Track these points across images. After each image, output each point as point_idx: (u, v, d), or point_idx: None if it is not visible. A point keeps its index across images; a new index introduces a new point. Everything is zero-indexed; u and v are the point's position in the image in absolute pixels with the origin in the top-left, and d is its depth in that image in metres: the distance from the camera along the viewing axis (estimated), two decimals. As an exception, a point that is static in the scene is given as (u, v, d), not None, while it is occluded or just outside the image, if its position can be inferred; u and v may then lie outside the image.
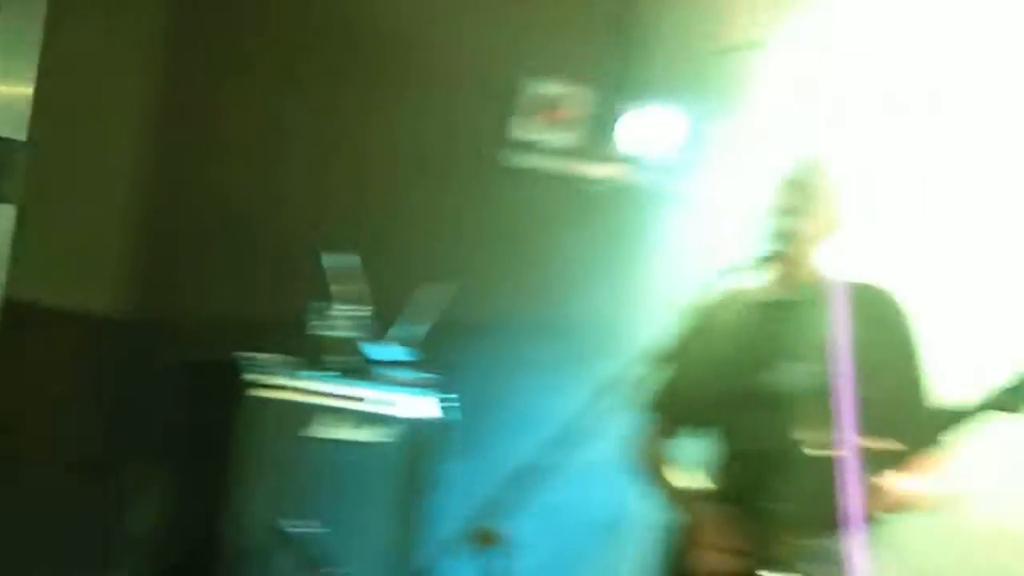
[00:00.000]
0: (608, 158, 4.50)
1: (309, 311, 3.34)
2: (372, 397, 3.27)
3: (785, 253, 2.47)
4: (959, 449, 2.34)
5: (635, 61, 4.77)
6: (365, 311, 3.38)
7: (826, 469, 2.21)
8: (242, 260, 3.95)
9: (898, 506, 2.34)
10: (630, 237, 4.41)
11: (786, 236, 2.44)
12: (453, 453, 3.42)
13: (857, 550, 2.32)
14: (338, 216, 4.06)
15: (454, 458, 3.41)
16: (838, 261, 2.56)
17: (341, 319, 3.33)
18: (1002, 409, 2.11)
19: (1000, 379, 2.15)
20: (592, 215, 4.58)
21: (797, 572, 2.33)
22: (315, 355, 3.30)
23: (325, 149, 4.33)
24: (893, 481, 2.27)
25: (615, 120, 4.42)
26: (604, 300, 4.12)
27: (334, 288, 3.36)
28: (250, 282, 3.89)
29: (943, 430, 2.23)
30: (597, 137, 4.49)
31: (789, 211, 2.45)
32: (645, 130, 4.40)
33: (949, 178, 3.44)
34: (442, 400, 3.39)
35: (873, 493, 2.21)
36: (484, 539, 2.27)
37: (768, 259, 2.44)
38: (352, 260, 3.47)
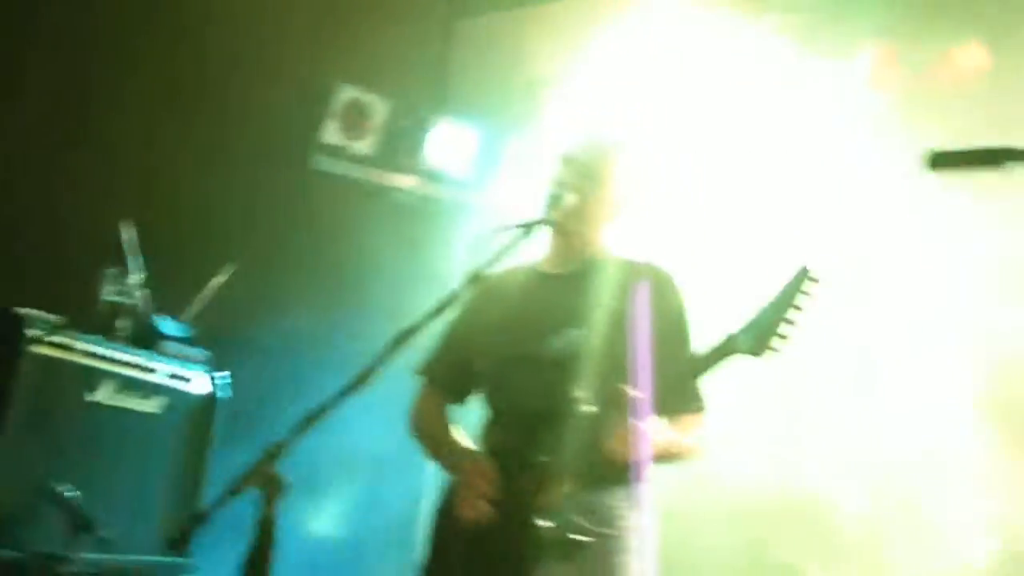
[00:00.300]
0: (412, 169, 4.73)
1: (101, 277, 3.34)
2: (155, 367, 3.30)
3: (559, 225, 2.61)
4: (715, 407, 2.61)
5: (446, 82, 5.09)
6: (150, 284, 3.41)
7: (592, 425, 2.38)
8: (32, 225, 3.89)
9: (661, 454, 2.46)
10: (426, 242, 4.65)
11: (560, 209, 2.56)
12: (229, 427, 3.49)
13: (623, 502, 2.53)
14: (140, 199, 4.07)
15: (230, 431, 3.48)
16: (622, 240, 2.75)
17: (131, 289, 3.35)
18: (740, 351, 2.29)
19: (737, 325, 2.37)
20: (391, 220, 4.81)
21: (564, 521, 2.40)
22: (102, 321, 3.29)
23: (128, 136, 4.31)
24: (656, 429, 2.40)
25: (421, 134, 4.66)
26: (394, 294, 4.28)
27: (128, 258, 3.38)
28: (41, 240, 3.84)
29: (697, 377, 2.42)
30: (403, 148, 4.70)
31: (565, 186, 2.59)
32: (449, 145, 4.69)
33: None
34: (219, 376, 3.46)
35: (637, 440, 2.34)
36: (265, 482, 2.31)
37: (536, 226, 2.53)
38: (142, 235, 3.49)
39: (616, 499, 2.58)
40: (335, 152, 4.63)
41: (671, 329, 2.59)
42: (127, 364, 3.28)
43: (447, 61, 5.08)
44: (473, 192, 4.68)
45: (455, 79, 5.07)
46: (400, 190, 4.75)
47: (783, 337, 2.20)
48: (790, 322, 2.20)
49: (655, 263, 2.72)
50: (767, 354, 2.21)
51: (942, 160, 1.35)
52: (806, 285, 2.21)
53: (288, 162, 4.55)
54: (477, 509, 2.52)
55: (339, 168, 4.65)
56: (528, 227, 2.52)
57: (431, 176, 4.72)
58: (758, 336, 2.22)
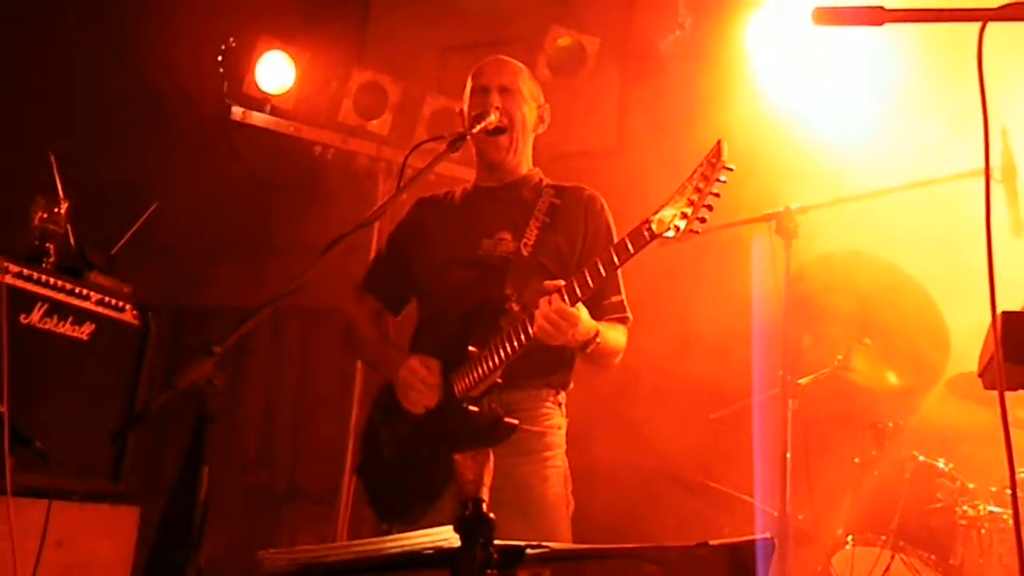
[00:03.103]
0: (333, 125, 4.84)
1: (31, 204, 3.36)
2: (85, 294, 3.34)
3: (484, 141, 2.76)
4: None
5: (364, 39, 5.21)
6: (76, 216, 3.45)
7: (521, 321, 2.52)
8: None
9: (586, 342, 2.56)
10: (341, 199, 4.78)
11: (484, 126, 2.68)
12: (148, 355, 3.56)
13: (549, 401, 2.68)
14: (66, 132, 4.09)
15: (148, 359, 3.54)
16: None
17: (59, 218, 3.38)
18: (659, 234, 2.29)
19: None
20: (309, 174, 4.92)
21: (491, 409, 2.59)
22: (31, 247, 3.31)
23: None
24: (584, 316, 2.50)
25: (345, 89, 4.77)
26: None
27: (57, 187, 3.41)
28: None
29: (619, 265, 2.43)
30: (327, 105, 4.80)
31: (487, 104, 2.75)
32: (368, 99, 4.81)
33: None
34: (139, 307, 3.52)
35: (565, 322, 2.45)
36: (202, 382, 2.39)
37: (460, 141, 2.62)
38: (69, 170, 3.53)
39: (541, 399, 2.76)
40: (254, 104, 4.71)
41: (596, 242, 2.78)
42: (58, 288, 3.31)
43: (366, 18, 5.21)
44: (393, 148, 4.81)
45: (374, 36, 5.19)
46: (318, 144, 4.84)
47: (701, 219, 2.30)
48: (707, 206, 2.30)
49: (583, 187, 2.91)
50: (687, 236, 2.31)
51: (825, 17, 1.56)
52: (720, 168, 2.28)
53: (210, 110, 4.61)
54: (424, 395, 2.66)
55: (259, 120, 4.73)
56: (454, 142, 2.63)
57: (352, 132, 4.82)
58: (677, 219, 2.30)
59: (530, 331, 2.51)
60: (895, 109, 4.01)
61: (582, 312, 2.52)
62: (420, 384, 2.67)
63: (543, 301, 2.47)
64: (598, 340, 2.62)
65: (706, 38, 4.54)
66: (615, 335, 2.74)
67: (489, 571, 1.56)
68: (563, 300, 2.45)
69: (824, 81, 4.23)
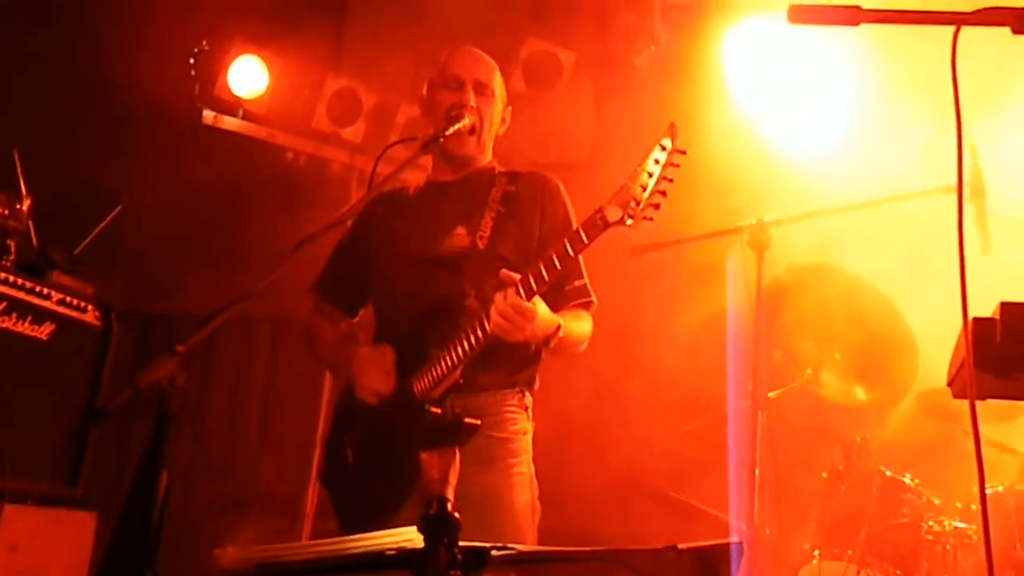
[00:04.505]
0: (306, 132, 4.80)
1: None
2: (46, 293, 3.27)
3: (455, 142, 2.68)
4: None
5: (340, 46, 5.19)
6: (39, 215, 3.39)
7: (479, 318, 2.47)
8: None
9: (548, 335, 2.51)
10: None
11: (459, 128, 2.63)
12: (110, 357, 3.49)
13: (512, 405, 2.62)
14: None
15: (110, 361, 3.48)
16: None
17: (21, 215, 3.32)
18: (614, 222, 2.26)
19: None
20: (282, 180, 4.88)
21: (451, 409, 2.52)
22: (-7, 244, 3.26)
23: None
24: (543, 310, 2.46)
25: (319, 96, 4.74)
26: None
27: (19, 184, 3.35)
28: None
29: (577, 253, 2.39)
30: (301, 111, 4.77)
31: (462, 106, 2.69)
32: (342, 107, 4.79)
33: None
34: (101, 308, 3.46)
35: (522, 317, 2.39)
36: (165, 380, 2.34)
37: (434, 144, 2.61)
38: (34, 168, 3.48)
39: (506, 403, 2.70)
40: (226, 108, 4.67)
41: (554, 226, 2.72)
42: (17, 287, 3.24)
43: (342, 25, 5.19)
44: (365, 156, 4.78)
45: (350, 44, 5.17)
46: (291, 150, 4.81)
47: (655, 206, 2.27)
48: (660, 191, 2.27)
49: (538, 172, 2.86)
50: (640, 223, 2.28)
51: (801, 15, 1.56)
52: (673, 152, 2.26)
53: (182, 113, 4.56)
54: (376, 381, 2.62)
55: (230, 124, 4.69)
56: (426, 145, 2.61)
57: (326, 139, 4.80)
58: (630, 206, 2.27)
59: (487, 327, 2.45)
60: (868, 124, 4.05)
61: (539, 306, 2.46)
62: (372, 369, 2.62)
63: (498, 296, 2.42)
64: (560, 334, 2.57)
65: (681, 54, 4.57)
66: (579, 325, 2.69)
67: (453, 572, 1.53)
68: (519, 295, 2.41)
69: (798, 97, 4.26)
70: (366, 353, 2.67)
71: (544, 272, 2.41)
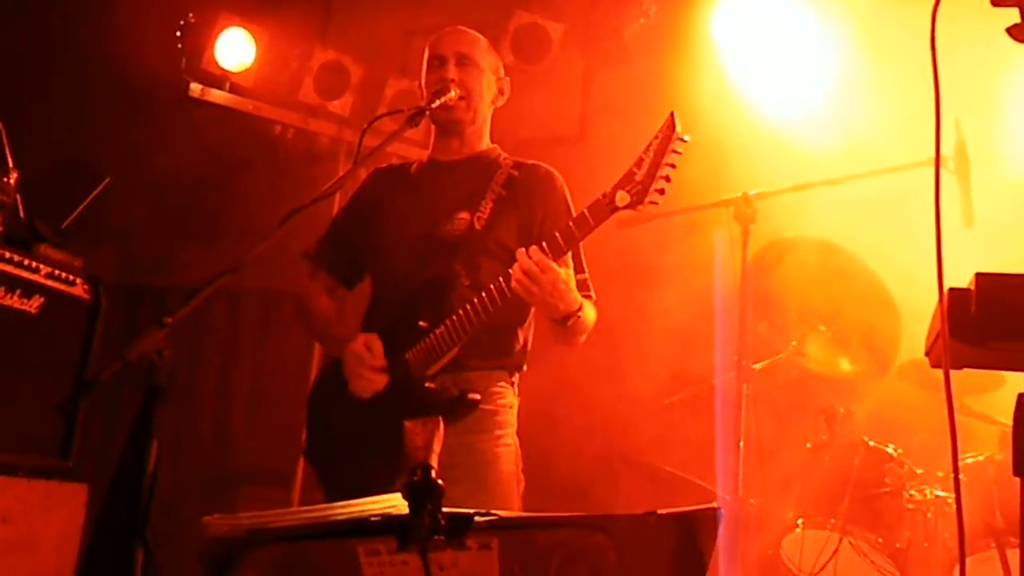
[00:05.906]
0: (293, 105, 4.79)
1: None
2: (34, 266, 3.28)
3: (444, 115, 2.71)
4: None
5: (328, 18, 5.17)
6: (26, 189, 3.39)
7: (478, 295, 2.49)
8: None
9: (563, 305, 2.49)
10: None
11: (444, 101, 2.64)
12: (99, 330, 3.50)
13: (501, 381, 2.64)
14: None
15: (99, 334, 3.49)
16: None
17: (8, 188, 3.32)
18: (618, 207, 2.36)
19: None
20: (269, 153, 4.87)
21: (446, 387, 2.57)
22: (-22, 217, 3.26)
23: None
24: (566, 274, 2.49)
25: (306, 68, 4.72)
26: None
27: (5, 157, 3.35)
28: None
29: (580, 239, 2.46)
30: (288, 84, 4.75)
31: (446, 80, 2.71)
32: (329, 79, 4.77)
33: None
34: (90, 281, 3.46)
35: (545, 275, 2.41)
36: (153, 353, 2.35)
37: (419, 116, 2.59)
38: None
39: (495, 379, 2.72)
40: (213, 82, 4.65)
41: (556, 218, 2.72)
42: (5, 260, 3.24)
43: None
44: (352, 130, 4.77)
45: (337, 16, 5.15)
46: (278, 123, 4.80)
47: (660, 191, 2.33)
48: (664, 177, 2.32)
49: (538, 162, 2.88)
50: (646, 208, 2.35)
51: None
52: (675, 139, 2.32)
53: (169, 87, 4.54)
54: (371, 381, 2.63)
55: (217, 98, 4.68)
56: (413, 117, 2.60)
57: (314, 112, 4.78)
58: (635, 191, 2.34)
59: (506, 290, 2.46)
60: (856, 95, 4.06)
61: (562, 271, 2.48)
62: (366, 371, 2.63)
63: (520, 252, 2.45)
64: (580, 314, 2.59)
65: (670, 26, 4.56)
66: (591, 313, 2.72)
67: (437, 538, 1.55)
68: (544, 252, 2.43)
69: (787, 70, 4.26)
70: (359, 352, 2.66)
71: (561, 241, 2.44)
